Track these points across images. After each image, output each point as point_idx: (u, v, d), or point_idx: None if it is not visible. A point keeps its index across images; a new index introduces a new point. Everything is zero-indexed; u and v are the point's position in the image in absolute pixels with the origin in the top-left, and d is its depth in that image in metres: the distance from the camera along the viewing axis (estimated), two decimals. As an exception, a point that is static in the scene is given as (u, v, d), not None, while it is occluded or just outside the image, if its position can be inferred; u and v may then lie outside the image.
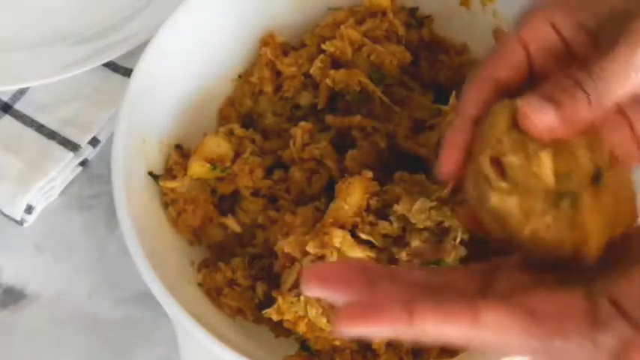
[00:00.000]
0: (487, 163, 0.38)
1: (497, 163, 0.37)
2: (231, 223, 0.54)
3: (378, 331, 0.33)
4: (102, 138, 0.64)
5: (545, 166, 0.36)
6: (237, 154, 0.55)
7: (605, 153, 0.37)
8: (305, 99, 0.57)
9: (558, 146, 0.37)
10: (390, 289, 0.35)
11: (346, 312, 0.33)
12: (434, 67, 0.58)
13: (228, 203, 0.56)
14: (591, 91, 0.37)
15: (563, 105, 0.37)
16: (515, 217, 0.37)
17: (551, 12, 0.41)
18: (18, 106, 0.65)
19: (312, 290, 0.35)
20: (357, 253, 0.48)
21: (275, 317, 0.48)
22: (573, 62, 0.42)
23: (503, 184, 0.37)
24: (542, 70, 0.42)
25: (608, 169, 0.37)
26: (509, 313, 0.34)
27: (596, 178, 0.36)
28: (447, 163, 0.40)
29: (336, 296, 0.35)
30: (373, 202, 0.50)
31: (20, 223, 0.61)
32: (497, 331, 0.34)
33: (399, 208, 0.48)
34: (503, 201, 0.37)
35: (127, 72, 0.65)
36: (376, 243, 0.49)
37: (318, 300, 0.47)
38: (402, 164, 0.53)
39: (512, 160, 0.37)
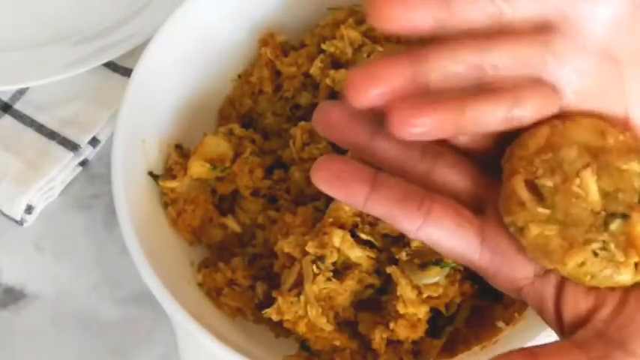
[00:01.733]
0: (522, 186, 0.34)
1: (533, 187, 0.34)
2: (231, 223, 0.54)
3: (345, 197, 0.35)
4: (102, 138, 0.64)
5: (589, 185, 0.33)
6: (237, 154, 0.55)
7: None
8: (305, 99, 0.57)
9: (599, 163, 0.34)
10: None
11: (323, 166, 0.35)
12: (434, 67, 0.58)
13: (228, 203, 0.56)
14: None
15: None
16: (558, 247, 0.34)
17: None
18: (18, 106, 0.65)
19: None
20: (357, 253, 0.48)
21: (275, 317, 0.48)
22: None
23: (542, 211, 0.34)
24: None
25: None
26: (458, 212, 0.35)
27: None
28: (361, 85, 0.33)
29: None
30: (373, 202, 0.50)
31: (20, 223, 0.61)
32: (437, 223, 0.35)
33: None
34: (543, 230, 0.34)
35: (126, 72, 0.65)
36: (376, 243, 0.49)
37: (318, 300, 0.47)
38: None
39: (549, 182, 0.34)
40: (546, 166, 0.35)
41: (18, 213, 0.61)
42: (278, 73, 0.59)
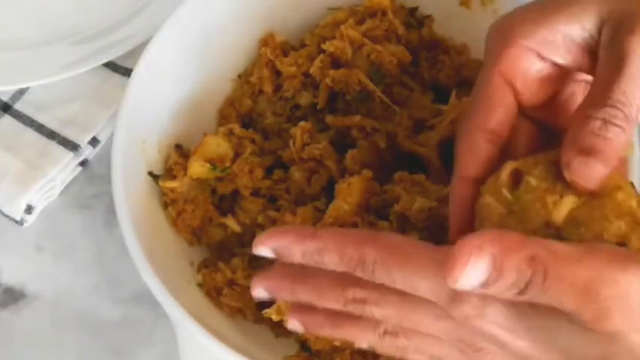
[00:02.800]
0: (508, 170, 0.37)
1: (517, 178, 0.36)
2: (231, 223, 0.54)
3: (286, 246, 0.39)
4: (102, 138, 0.64)
5: (563, 207, 0.35)
6: (237, 154, 0.55)
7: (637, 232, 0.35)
8: (305, 99, 0.57)
9: (592, 200, 0.35)
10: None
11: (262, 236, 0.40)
12: (434, 67, 0.58)
13: (228, 203, 0.56)
14: (622, 121, 0.36)
15: (604, 153, 0.36)
16: (492, 223, 0.36)
17: (531, 36, 0.40)
18: (18, 106, 0.65)
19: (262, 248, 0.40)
20: (357, 253, 0.48)
21: (275, 317, 0.48)
22: (568, 78, 0.41)
23: (506, 193, 0.36)
24: (535, 100, 0.41)
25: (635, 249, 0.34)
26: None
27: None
28: (457, 231, 0.39)
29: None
30: (373, 201, 0.50)
31: (20, 223, 0.61)
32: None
33: (398, 208, 0.48)
34: (493, 203, 0.36)
35: (127, 72, 0.65)
36: (376, 243, 0.49)
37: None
38: (402, 164, 0.53)
39: (533, 182, 0.36)
40: (542, 172, 0.36)
41: (18, 213, 0.61)
42: (278, 73, 0.59)
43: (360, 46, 0.56)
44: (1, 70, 0.64)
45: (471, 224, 0.39)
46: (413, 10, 0.60)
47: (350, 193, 0.50)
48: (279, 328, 0.51)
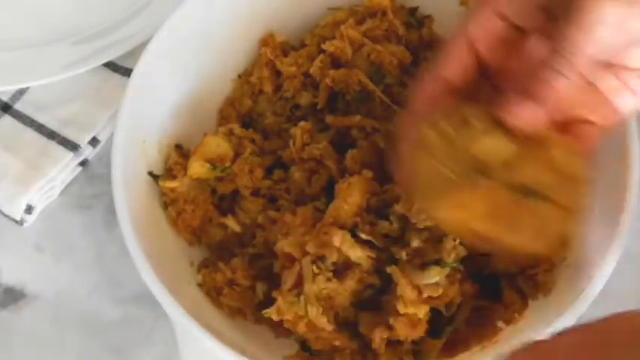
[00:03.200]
0: (451, 108, 0.40)
1: (461, 119, 0.40)
2: (231, 223, 0.54)
3: None
4: (102, 138, 0.64)
5: (496, 145, 0.37)
6: (237, 154, 0.55)
7: (574, 187, 0.37)
8: (305, 99, 0.57)
9: (528, 150, 0.37)
10: None
11: None
12: (434, 67, 0.58)
13: (228, 203, 0.56)
14: (564, 68, 0.37)
15: (538, 94, 0.37)
16: (425, 153, 0.39)
17: (499, 1, 0.42)
18: (18, 106, 0.65)
19: None
20: (357, 253, 0.48)
21: (275, 317, 0.48)
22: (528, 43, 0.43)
23: (445, 126, 0.39)
24: (495, 61, 0.43)
25: (564, 204, 0.37)
26: None
27: (532, 192, 0.37)
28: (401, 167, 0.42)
29: None
30: (373, 201, 0.50)
31: (20, 223, 0.61)
32: None
33: (399, 208, 0.48)
34: (429, 133, 0.39)
35: (127, 72, 0.66)
36: (376, 243, 0.49)
37: (318, 300, 0.47)
38: (402, 164, 0.53)
39: (473, 121, 0.39)
40: (484, 117, 0.39)
41: (18, 213, 0.61)
42: (278, 73, 0.59)
43: (360, 46, 0.56)
44: (1, 70, 0.64)
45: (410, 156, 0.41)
46: (413, 10, 0.60)
47: (350, 193, 0.50)
48: (279, 328, 0.51)
